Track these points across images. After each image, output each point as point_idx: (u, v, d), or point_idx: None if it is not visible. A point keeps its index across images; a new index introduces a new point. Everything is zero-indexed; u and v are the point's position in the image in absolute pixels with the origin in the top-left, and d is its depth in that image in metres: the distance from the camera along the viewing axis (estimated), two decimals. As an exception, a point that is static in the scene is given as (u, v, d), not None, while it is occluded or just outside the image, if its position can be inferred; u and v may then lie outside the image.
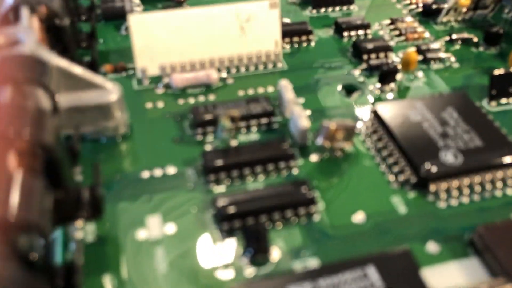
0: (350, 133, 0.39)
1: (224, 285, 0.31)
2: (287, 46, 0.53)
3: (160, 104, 0.45)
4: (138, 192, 0.37)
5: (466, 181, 0.37)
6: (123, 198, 0.37)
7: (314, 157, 0.40)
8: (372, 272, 0.30)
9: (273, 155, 0.39)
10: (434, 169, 0.37)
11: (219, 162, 0.38)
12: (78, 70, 0.39)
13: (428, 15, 0.57)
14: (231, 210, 0.34)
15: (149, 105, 0.45)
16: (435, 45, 0.52)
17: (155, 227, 0.35)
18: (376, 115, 0.42)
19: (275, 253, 0.33)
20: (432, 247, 0.34)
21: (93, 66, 0.44)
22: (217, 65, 0.49)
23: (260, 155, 0.38)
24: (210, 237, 0.34)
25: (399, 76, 0.48)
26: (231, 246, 0.34)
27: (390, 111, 0.42)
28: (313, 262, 0.33)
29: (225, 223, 0.34)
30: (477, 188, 0.37)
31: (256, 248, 0.33)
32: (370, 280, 0.30)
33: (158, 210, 0.36)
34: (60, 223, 0.31)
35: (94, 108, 0.39)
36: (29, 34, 0.37)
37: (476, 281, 0.31)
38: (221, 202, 0.35)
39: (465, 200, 0.37)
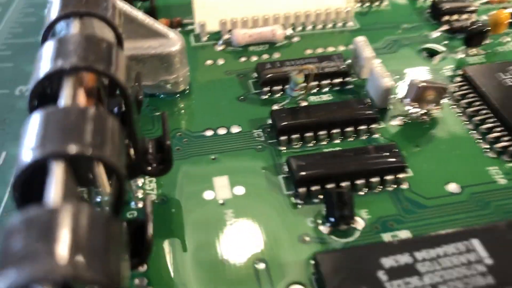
0: (441, 94, 0.34)
1: (303, 254, 0.27)
2: (357, 5, 0.48)
3: (221, 61, 0.41)
4: (202, 151, 0.34)
5: None
6: (186, 156, 0.33)
7: (396, 121, 0.36)
8: (477, 246, 0.26)
9: (352, 116, 0.34)
10: (538, 136, 0.32)
11: (292, 121, 0.34)
12: (139, 14, 0.35)
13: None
14: (310, 172, 0.30)
15: (208, 62, 0.41)
16: (523, 7, 0.47)
17: (222, 188, 0.31)
18: (466, 78, 0.38)
19: (360, 223, 0.29)
20: (541, 223, 0.29)
21: (152, 14, 0.40)
22: (281, 22, 0.44)
23: (338, 115, 0.34)
24: (284, 201, 0.30)
25: (486, 40, 0.43)
26: (308, 213, 0.30)
27: (481, 73, 0.38)
28: (403, 234, 0.29)
29: (303, 186, 0.30)
30: None
31: (339, 215, 0.28)
32: (477, 255, 0.26)
33: (225, 171, 0.32)
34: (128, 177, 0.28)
35: (155, 58, 0.35)
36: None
37: None
38: (298, 163, 0.31)
39: None
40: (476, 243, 0.26)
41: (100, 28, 0.30)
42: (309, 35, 0.44)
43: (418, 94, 0.34)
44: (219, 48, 0.43)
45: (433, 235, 0.27)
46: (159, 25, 0.36)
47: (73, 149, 0.20)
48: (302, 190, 0.30)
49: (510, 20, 0.45)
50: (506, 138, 0.33)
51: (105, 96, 0.27)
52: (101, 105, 0.27)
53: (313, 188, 0.30)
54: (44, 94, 0.25)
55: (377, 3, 0.48)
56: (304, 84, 0.36)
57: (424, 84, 0.34)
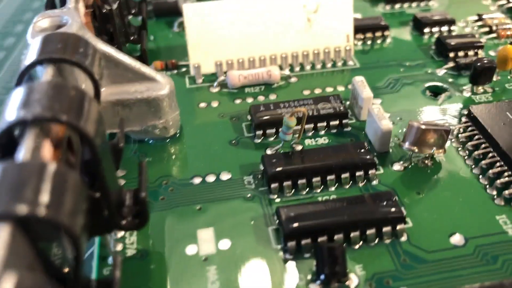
0: (443, 137, 0.32)
1: (290, 317, 0.25)
2: (359, 43, 0.46)
3: (215, 104, 0.40)
4: (188, 200, 0.32)
5: None
6: (171, 206, 0.31)
7: (397, 166, 0.33)
8: (484, 310, 0.24)
9: (348, 161, 0.32)
10: (550, 182, 0.30)
11: (283, 168, 0.32)
12: (125, 58, 0.34)
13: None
14: (300, 224, 0.28)
15: (202, 104, 0.40)
16: (535, 42, 0.45)
17: (207, 242, 0.29)
18: (471, 118, 0.35)
19: (353, 280, 0.27)
20: (556, 279, 0.26)
21: (142, 58, 0.39)
22: (279, 62, 0.43)
23: (333, 161, 0.32)
24: (273, 256, 0.28)
25: (494, 77, 0.41)
26: (298, 269, 0.27)
27: (487, 113, 0.35)
28: (402, 293, 0.26)
29: (292, 240, 0.28)
30: None
31: (330, 272, 0.26)
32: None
33: (210, 222, 0.30)
34: (97, 232, 0.26)
35: (142, 102, 0.34)
36: (74, 17, 0.32)
37: None
38: (287, 215, 0.29)
39: None
40: (481, 305, 0.24)
41: (76, 75, 0.29)
42: (308, 75, 0.43)
43: (418, 137, 0.32)
44: (214, 90, 0.41)
45: (433, 296, 0.25)
46: (146, 69, 0.34)
47: (23, 209, 0.18)
48: (291, 244, 0.28)
49: (520, 56, 0.43)
50: (515, 184, 0.31)
51: (79, 146, 0.26)
52: (72, 156, 0.26)
53: (304, 241, 0.28)
54: (13, 143, 0.24)
55: (379, 41, 0.47)
56: (298, 127, 0.34)
57: (424, 126, 0.31)
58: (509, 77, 0.41)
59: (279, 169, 0.32)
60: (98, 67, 0.29)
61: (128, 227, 0.26)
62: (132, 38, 0.42)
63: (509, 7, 0.51)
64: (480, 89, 0.40)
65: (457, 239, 0.29)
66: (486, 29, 0.47)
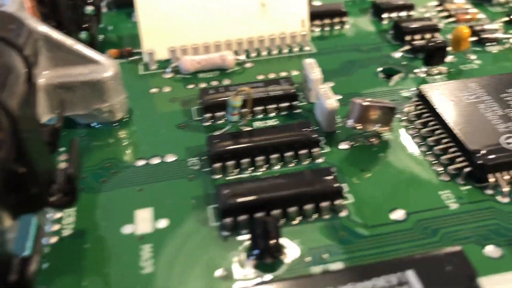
0: (388, 115, 0.32)
1: (221, 292, 0.25)
2: (317, 30, 0.46)
3: (166, 89, 0.39)
4: (129, 182, 0.31)
5: (536, 171, 0.29)
6: (111, 188, 0.31)
7: (343, 145, 0.33)
8: (411, 279, 0.23)
9: (293, 140, 0.32)
10: (493, 156, 0.29)
11: (227, 147, 0.31)
12: (68, 41, 0.33)
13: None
14: (236, 200, 0.28)
15: (153, 90, 0.39)
16: (492, 25, 0.44)
17: (144, 221, 0.28)
18: (421, 97, 0.35)
19: (289, 255, 0.26)
20: (491, 251, 0.26)
21: (92, 44, 0.39)
22: (234, 48, 0.42)
23: (277, 139, 0.32)
24: (209, 234, 0.28)
25: (448, 58, 0.40)
26: (234, 246, 0.27)
27: (437, 92, 0.35)
28: (336, 267, 0.26)
29: (228, 216, 0.28)
30: (552, 180, 0.29)
31: (264, 247, 0.26)
32: (411, 290, 0.23)
33: (150, 203, 0.30)
34: (26, 210, 0.26)
35: (86, 85, 0.34)
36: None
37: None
38: (225, 192, 0.28)
39: (535, 194, 0.29)
40: (410, 275, 0.23)
41: (11, 55, 0.29)
42: (264, 61, 0.42)
43: (361, 114, 0.31)
44: (167, 76, 0.41)
45: (362, 266, 0.24)
46: (89, 51, 0.34)
47: None
48: (228, 220, 0.27)
49: (476, 38, 0.43)
50: (459, 160, 0.30)
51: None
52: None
53: (241, 218, 0.28)
54: None
55: (337, 27, 0.46)
56: (245, 110, 0.34)
57: (366, 103, 0.31)
58: (465, 57, 0.41)
59: (221, 148, 0.31)
60: (32, 47, 0.29)
61: (56, 204, 0.26)
62: (84, 26, 0.42)
63: (470, -8, 0.51)
64: (435, 70, 0.39)
65: (398, 214, 0.28)
66: (445, 13, 0.47)
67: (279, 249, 0.26)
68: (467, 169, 0.30)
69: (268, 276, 0.25)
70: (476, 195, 0.29)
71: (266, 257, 0.26)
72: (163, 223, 0.28)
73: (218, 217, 0.28)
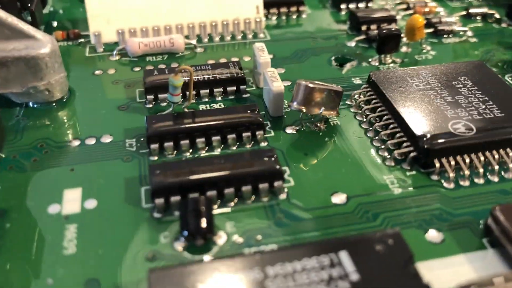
0: (334, 98, 0.31)
1: (143, 274, 0.23)
2: (273, 18, 0.45)
3: (111, 71, 0.38)
4: (61, 162, 0.29)
5: (480, 156, 0.29)
6: (42, 168, 0.29)
7: (289, 130, 0.32)
8: (344, 259, 0.22)
9: (236, 122, 0.30)
10: (439, 140, 0.29)
11: (165, 127, 0.30)
12: (1, 13, 0.32)
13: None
14: (167, 180, 0.26)
15: (97, 72, 0.38)
16: (450, 18, 0.44)
17: (72, 201, 0.27)
18: (371, 83, 0.34)
19: (221, 237, 0.25)
20: (433, 236, 0.25)
21: (33, 23, 0.37)
22: (186, 33, 0.41)
23: (220, 121, 0.30)
24: (140, 215, 0.26)
25: (403, 48, 0.40)
26: (164, 228, 0.25)
27: (387, 78, 0.34)
28: (269, 249, 0.24)
29: (159, 197, 0.26)
30: (495, 166, 0.28)
31: (194, 228, 0.24)
32: (342, 270, 0.21)
33: (80, 183, 0.28)
34: None
35: (20, 61, 0.32)
36: None
37: (489, 275, 0.22)
38: (157, 171, 0.27)
39: (480, 180, 0.28)
40: (344, 255, 0.22)
41: None
42: (216, 47, 0.41)
43: (305, 96, 0.30)
44: (114, 58, 0.39)
45: (292, 246, 0.23)
46: (24, 25, 0.32)
47: None
48: (159, 201, 0.26)
49: (432, 30, 0.42)
50: (405, 145, 0.30)
51: None
52: None
53: (173, 199, 0.26)
54: None
55: (294, 16, 0.45)
56: (187, 93, 0.32)
57: (312, 85, 0.30)
58: (420, 48, 0.40)
59: (159, 128, 0.30)
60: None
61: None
62: (28, 6, 0.40)
63: (429, -13, 0.50)
64: (388, 59, 0.39)
65: (339, 198, 0.27)
66: (404, 6, 0.47)
67: (210, 230, 0.24)
68: (412, 154, 0.29)
69: (198, 258, 0.24)
70: (421, 180, 0.28)
71: (197, 238, 0.24)
72: (91, 203, 0.27)
73: (150, 198, 0.27)
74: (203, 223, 0.24)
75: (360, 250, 0.22)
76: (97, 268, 0.23)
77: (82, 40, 0.42)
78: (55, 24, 0.45)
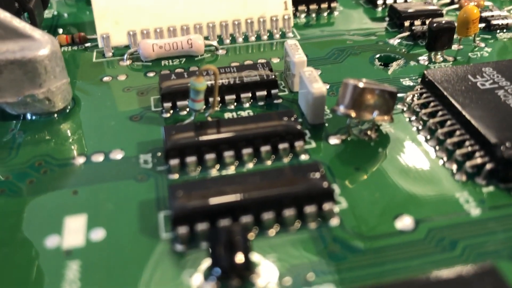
0: (386, 101, 0.26)
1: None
2: (302, 16, 0.40)
3: (122, 77, 0.33)
4: (62, 183, 0.25)
5: None
6: (39, 191, 0.24)
7: (333, 140, 0.27)
8: (432, 308, 0.17)
9: (269, 130, 0.25)
10: (523, 149, 0.23)
11: (187, 139, 0.25)
12: (-9, 10, 0.27)
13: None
14: (192, 203, 0.21)
15: (106, 78, 0.33)
16: (501, 12, 0.39)
17: (74, 232, 0.22)
18: (426, 83, 0.29)
19: (263, 276, 0.20)
20: (532, 269, 0.20)
21: (31, 23, 0.32)
22: (205, 33, 0.36)
23: (251, 131, 0.25)
24: (159, 248, 0.21)
25: (453, 46, 0.35)
26: (190, 263, 0.20)
27: (446, 77, 0.29)
28: (326, 291, 0.19)
29: (183, 224, 0.21)
30: None
31: (227, 264, 0.19)
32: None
33: (84, 208, 0.23)
34: None
35: (15, 65, 0.27)
36: None
37: None
38: (180, 192, 0.22)
39: None
40: (428, 302, 0.17)
41: None
42: (239, 48, 0.36)
43: (355, 97, 0.25)
44: (124, 63, 0.34)
45: (362, 290, 0.18)
46: (20, 23, 0.28)
47: None
48: (182, 230, 0.21)
49: (484, 25, 0.37)
50: (478, 155, 0.24)
51: None
52: None
53: (200, 227, 0.21)
54: None
55: (325, 14, 0.41)
56: (215, 102, 0.27)
57: (362, 84, 0.25)
58: (473, 45, 0.35)
59: (180, 141, 0.25)
60: None
61: None
62: (29, 5, 0.35)
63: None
64: (439, 57, 0.34)
65: (405, 222, 0.22)
66: (447, 0, 0.42)
67: (248, 266, 0.19)
68: (489, 166, 0.24)
69: (233, 304, 0.19)
70: (502, 198, 0.23)
71: (231, 277, 0.19)
72: (98, 234, 0.22)
73: (170, 227, 0.22)
74: (239, 258, 0.19)
75: (449, 292, 0.17)
76: (105, 320, 0.18)
77: (88, 44, 0.37)
78: (60, 31, 0.40)
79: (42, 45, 0.28)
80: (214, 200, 0.21)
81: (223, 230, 0.20)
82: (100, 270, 0.20)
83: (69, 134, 0.28)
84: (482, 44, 0.36)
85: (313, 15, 0.40)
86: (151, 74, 0.33)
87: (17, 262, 0.21)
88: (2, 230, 0.22)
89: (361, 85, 0.25)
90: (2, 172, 0.25)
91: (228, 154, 0.25)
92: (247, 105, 0.30)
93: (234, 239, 0.19)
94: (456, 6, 0.41)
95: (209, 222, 0.21)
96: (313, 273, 0.20)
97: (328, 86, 0.31)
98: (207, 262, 0.20)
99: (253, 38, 0.37)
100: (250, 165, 0.25)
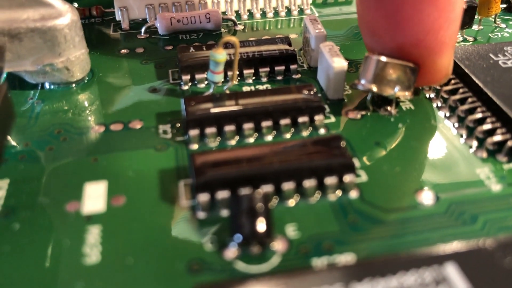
0: (408, 76, 0.25)
1: (187, 290, 0.18)
2: (321, -7, 0.40)
3: (139, 50, 0.33)
4: (82, 151, 0.25)
5: None
6: (59, 157, 0.24)
7: (353, 115, 0.27)
8: (452, 274, 0.16)
9: (289, 104, 0.25)
10: (546, 126, 0.23)
11: (207, 110, 0.25)
12: (11, -23, 0.27)
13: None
14: (215, 171, 0.21)
15: (124, 51, 0.33)
16: (522, -7, 0.38)
17: (95, 198, 0.22)
18: (446, 60, 0.29)
19: (282, 243, 0.20)
20: (554, 244, 0.19)
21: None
22: (223, 8, 0.36)
23: (270, 104, 0.25)
24: (179, 215, 0.21)
25: (474, 26, 0.34)
26: (210, 230, 0.20)
27: (467, 54, 0.29)
28: (344, 259, 0.19)
29: (204, 192, 0.21)
30: None
31: (249, 232, 0.19)
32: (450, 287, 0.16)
33: (105, 176, 0.23)
34: None
35: (35, 33, 0.27)
36: None
37: None
38: (202, 161, 0.22)
39: None
40: (451, 270, 0.17)
41: None
42: (257, 23, 0.36)
43: (377, 72, 0.25)
44: (142, 36, 0.34)
45: (385, 259, 0.17)
46: (40, -9, 0.27)
47: None
48: (203, 197, 0.21)
49: (505, 6, 0.37)
50: (500, 132, 0.24)
51: None
52: None
53: (220, 195, 0.21)
54: None
55: (344, -9, 0.40)
56: (231, 73, 0.27)
57: (385, 59, 0.25)
58: (493, 25, 0.35)
59: (200, 112, 0.25)
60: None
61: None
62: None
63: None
64: (459, 37, 0.33)
65: (426, 196, 0.22)
66: (468, -19, 0.41)
67: (269, 234, 0.19)
68: (510, 143, 0.23)
69: (254, 269, 0.19)
70: (524, 175, 0.23)
71: (252, 244, 0.19)
72: (119, 200, 0.22)
73: (191, 194, 0.22)
74: (261, 225, 0.19)
75: (470, 263, 0.17)
76: (126, 283, 0.18)
77: (105, 17, 0.37)
78: (76, 5, 0.40)
79: (62, 14, 0.28)
80: (235, 170, 0.21)
81: (245, 197, 0.20)
82: (121, 235, 0.20)
83: (87, 105, 0.28)
84: (503, 25, 0.35)
85: (332, -8, 0.40)
86: (169, 48, 0.33)
87: (38, 225, 0.21)
88: (23, 194, 0.22)
89: (383, 59, 0.25)
90: (22, 139, 0.25)
91: (248, 126, 0.25)
92: (264, 79, 0.30)
93: (255, 206, 0.19)
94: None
95: (230, 190, 0.21)
96: (334, 242, 0.20)
97: (347, 63, 0.31)
98: (228, 229, 0.20)
99: (271, 14, 0.37)
100: (269, 138, 0.25)
